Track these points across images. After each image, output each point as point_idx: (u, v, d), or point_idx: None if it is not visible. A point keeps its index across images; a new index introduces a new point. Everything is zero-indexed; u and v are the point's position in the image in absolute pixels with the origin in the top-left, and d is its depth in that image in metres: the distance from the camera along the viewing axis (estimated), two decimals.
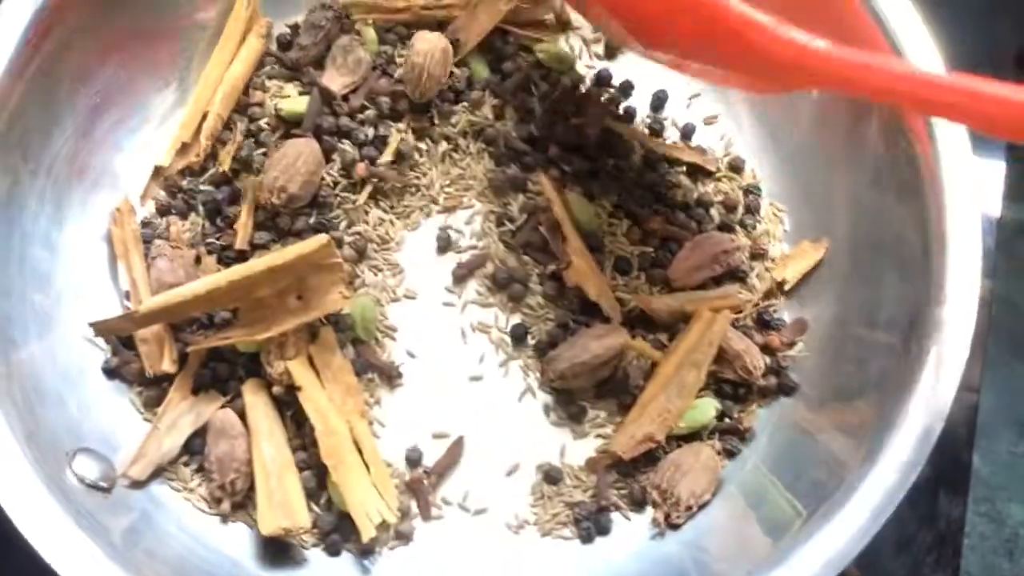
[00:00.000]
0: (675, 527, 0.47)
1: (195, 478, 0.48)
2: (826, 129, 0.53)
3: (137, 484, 0.46)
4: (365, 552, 0.47)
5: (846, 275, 0.51)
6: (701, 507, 0.47)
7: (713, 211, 0.54)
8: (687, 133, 0.56)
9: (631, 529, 0.48)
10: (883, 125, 0.49)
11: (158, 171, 0.53)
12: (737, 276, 0.53)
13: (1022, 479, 0.60)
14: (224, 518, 0.47)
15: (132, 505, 0.45)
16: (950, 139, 0.46)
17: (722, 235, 0.52)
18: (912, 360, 0.44)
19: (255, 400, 0.48)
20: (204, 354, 0.49)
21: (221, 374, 0.49)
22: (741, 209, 0.54)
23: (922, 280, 0.45)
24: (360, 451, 0.47)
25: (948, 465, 0.52)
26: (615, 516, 0.48)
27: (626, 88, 0.57)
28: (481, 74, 0.55)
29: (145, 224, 0.52)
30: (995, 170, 0.60)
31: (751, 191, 0.55)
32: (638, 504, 0.48)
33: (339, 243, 0.51)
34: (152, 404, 0.49)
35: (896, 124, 0.48)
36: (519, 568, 0.47)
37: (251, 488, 0.47)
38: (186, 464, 0.48)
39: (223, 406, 0.48)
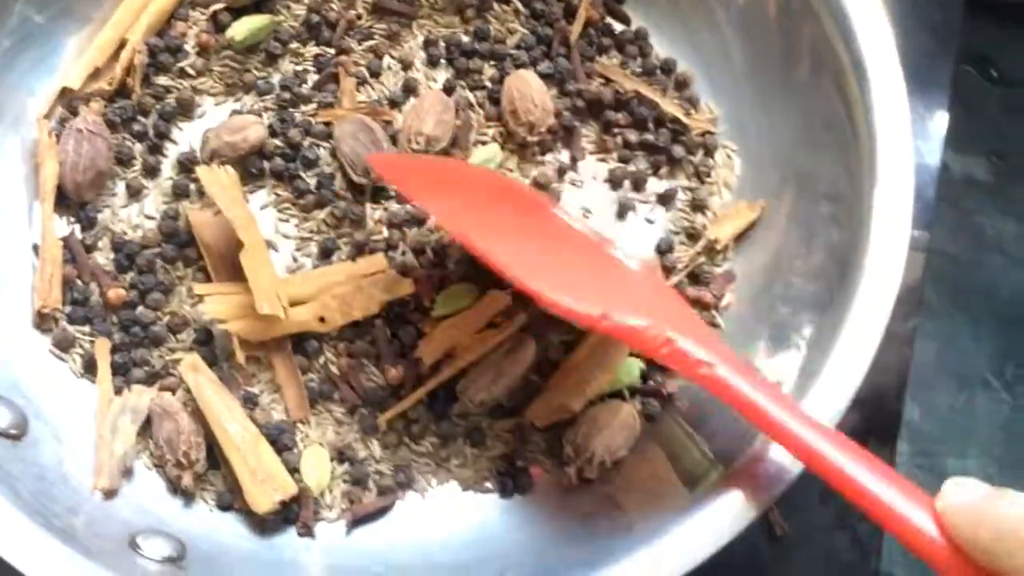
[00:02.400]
0: (588, 482, 0.47)
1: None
2: (760, 73, 0.52)
3: (111, 493, 0.45)
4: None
5: (779, 223, 0.50)
6: (615, 463, 0.47)
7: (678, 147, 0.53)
8: (649, 70, 0.54)
9: (549, 482, 0.48)
10: (815, 67, 0.48)
11: (65, 92, 0.51)
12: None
13: (960, 432, 0.59)
14: (188, 499, 0.46)
15: (44, 454, 0.44)
16: (885, 84, 0.45)
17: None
18: (838, 308, 0.43)
19: (199, 380, 0.47)
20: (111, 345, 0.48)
21: (136, 359, 0.48)
22: (700, 152, 0.53)
23: (852, 228, 0.45)
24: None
25: (878, 415, 0.52)
26: (535, 470, 0.48)
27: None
28: None
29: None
30: (938, 120, 0.59)
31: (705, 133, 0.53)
32: (558, 458, 0.48)
33: None
34: (90, 369, 0.48)
35: (829, 66, 0.47)
36: (439, 520, 0.47)
37: (209, 459, 0.46)
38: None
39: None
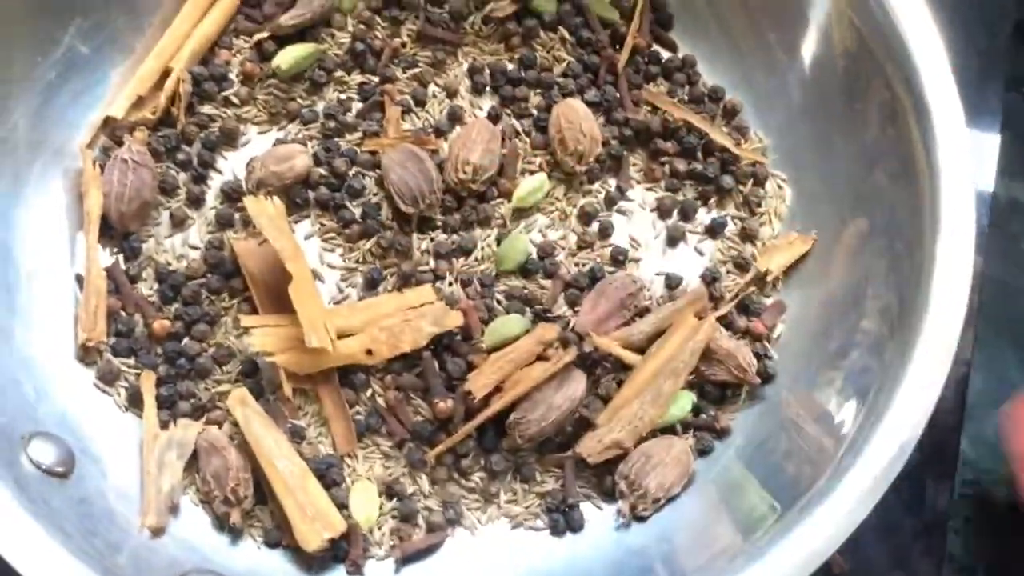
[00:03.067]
0: (641, 519, 0.46)
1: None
2: (819, 110, 0.51)
3: (159, 531, 0.44)
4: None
5: (834, 259, 0.49)
6: (669, 500, 0.46)
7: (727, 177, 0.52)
8: (697, 98, 0.54)
9: (600, 519, 0.47)
10: (881, 114, 0.47)
11: (108, 122, 0.51)
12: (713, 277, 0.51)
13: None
14: (235, 536, 0.46)
15: (89, 490, 0.44)
16: (947, 121, 0.44)
17: (624, 278, 0.49)
18: (899, 348, 0.42)
19: (247, 414, 0.46)
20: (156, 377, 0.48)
21: (182, 392, 0.48)
22: (750, 182, 0.52)
23: (913, 267, 0.44)
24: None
25: (935, 451, 0.51)
26: (586, 505, 0.47)
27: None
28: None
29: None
30: (990, 144, 0.58)
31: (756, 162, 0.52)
32: (608, 494, 0.47)
33: None
34: (135, 402, 0.47)
35: (895, 115, 0.46)
36: (489, 559, 0.46)
37: (256, 494, 0.46)
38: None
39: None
